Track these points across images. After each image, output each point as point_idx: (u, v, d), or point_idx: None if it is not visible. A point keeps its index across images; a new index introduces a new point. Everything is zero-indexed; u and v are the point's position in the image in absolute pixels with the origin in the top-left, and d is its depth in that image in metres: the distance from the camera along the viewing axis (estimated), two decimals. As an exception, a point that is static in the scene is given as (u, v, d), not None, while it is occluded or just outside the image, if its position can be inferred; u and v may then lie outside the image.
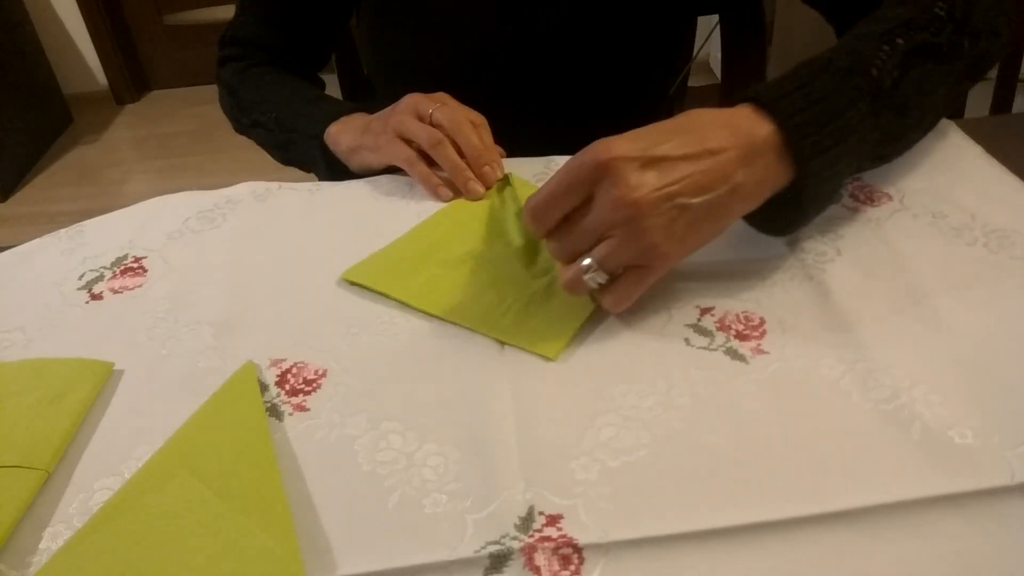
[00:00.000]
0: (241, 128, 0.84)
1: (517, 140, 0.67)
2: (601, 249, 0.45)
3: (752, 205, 0.47)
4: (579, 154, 0.45)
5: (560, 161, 0.66)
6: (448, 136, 0.63)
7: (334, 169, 0.72)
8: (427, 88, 0.68)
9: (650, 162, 0.44)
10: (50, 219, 2.29)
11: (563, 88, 0.79)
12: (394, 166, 0.66)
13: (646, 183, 0.43)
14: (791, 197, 0.48)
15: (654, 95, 0.88)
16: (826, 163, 0.47)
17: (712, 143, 0.45)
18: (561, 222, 0.47)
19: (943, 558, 0.34)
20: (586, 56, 0.77)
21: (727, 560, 0.35)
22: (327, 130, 0.71)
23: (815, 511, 0.36)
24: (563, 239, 0.47)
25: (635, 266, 0.46)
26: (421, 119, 0.65)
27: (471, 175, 0.63)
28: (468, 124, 0.64)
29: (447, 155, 0.63)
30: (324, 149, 0.72)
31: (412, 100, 0.67)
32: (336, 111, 0.73)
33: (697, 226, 0.45)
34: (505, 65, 0.78)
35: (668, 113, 1.13)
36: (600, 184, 0.44)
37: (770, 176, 0.47)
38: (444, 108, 0.65)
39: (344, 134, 0.70)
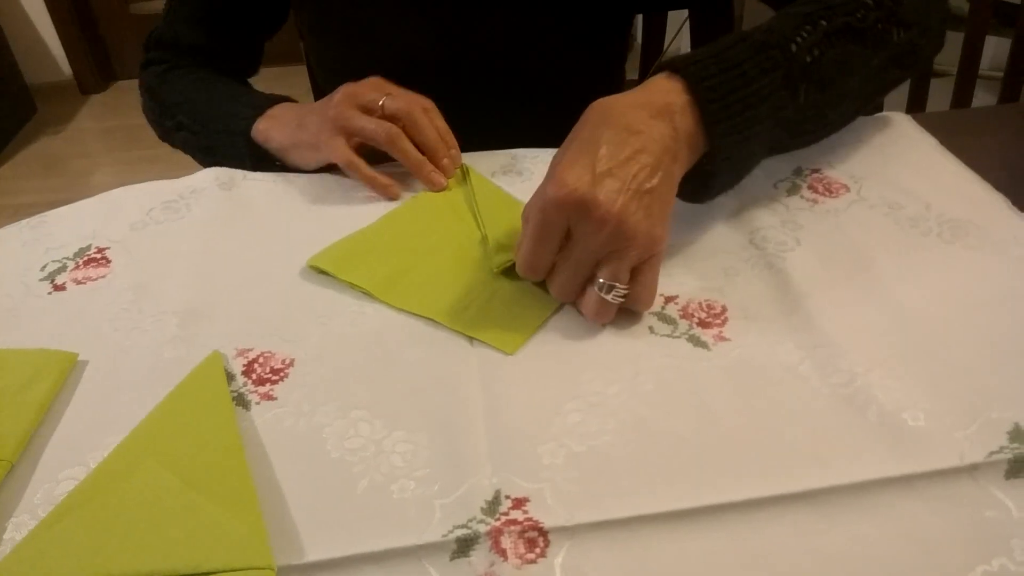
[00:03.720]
0: (165, 133, 0.78)
1: (468, 136, 0.65)
2: (607, 269, 0.46)
3: (686, 164, 0.48)
4: (536, 200, 0.46)
5: (525, 154, 0.66)
6: (403, 128, 0.61)
7: (263, 168, 0.67)
8: None
9: (601, 176, 0.44)
10: (15, 211, 2.24)
11: (512, 83, 0.77)
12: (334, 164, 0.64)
13: (610, 194, 0.44)
14: (707, 163, 0.49)
15: (607, 83, 0.87)
16: (734, 127, 0.48)
17: (640, 127, 0.46)
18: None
19: (898, 536, 0.35)
20: (533, 51, 0.76)
21: (689, 540, 0.36)
22: (255, 126, 0.67)
23: (776, 492, 0.37)
24: (564, 277, 0.47)
25: (642, 263, 0.47)
26: (368, 111, 0.62)
27: (432, 167, 0.62)
28: (422, 113, 0.62)
29: (406, 149, 0.61)
30: (252, 146, 0.67)
31: (350, 91, 0.63)
32: (261, 104, 0.68)
33: (664, 198, 0.46)
34: (451, 64, 0.76)
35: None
36: (573, 217, 0.45)
37: (691, 136, 0.47)
38: (394, 98, 0.62)
39: (275, 130, 0.66)
